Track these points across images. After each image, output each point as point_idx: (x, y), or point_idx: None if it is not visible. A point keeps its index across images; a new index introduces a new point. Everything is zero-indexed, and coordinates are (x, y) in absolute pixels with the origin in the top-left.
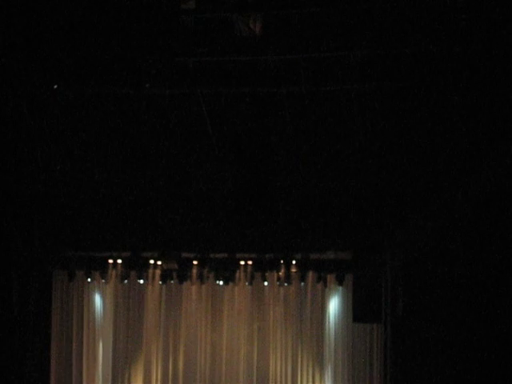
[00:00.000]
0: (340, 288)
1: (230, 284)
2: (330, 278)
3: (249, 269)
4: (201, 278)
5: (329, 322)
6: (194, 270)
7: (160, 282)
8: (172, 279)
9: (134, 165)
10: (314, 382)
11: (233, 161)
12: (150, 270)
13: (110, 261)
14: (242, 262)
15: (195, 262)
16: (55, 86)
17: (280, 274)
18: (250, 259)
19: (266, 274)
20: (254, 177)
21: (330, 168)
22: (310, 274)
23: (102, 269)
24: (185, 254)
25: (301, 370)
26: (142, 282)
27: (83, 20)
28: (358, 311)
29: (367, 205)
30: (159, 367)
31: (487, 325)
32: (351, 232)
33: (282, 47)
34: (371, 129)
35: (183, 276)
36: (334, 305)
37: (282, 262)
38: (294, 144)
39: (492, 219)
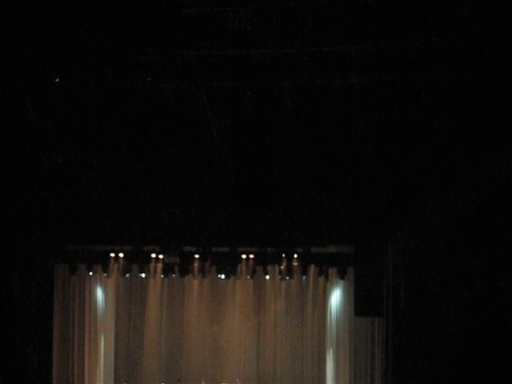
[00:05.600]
0: (342, 282)
1: (232, 278)
2: (332, 271)
3: (250, 263)
4: (202, 272)
5: (330, 316)
6: (196, 264)
7: (162, 276)
8: (174, 273)
9: (135, 159)
10: (315, 374)
11: (234, 155)
12: (152, 264)
13: (112, 254)
14: (244, 256)
15: (197, 256)
16: (57, 80)
17: (281, 267)
18: (251, 253)
19: (268, 267)
20: (255, 171)
21: (331, 161)
22: (312, 268)
23: (104, 262)
24: (186, 248)
25: (302, 363)
26: (143, 275)
27: (85, 14)
28: (359, 305)
29: (369, 198)
30: (161, 360)
31: (488, 318)
32: (353, 226)
33: (282, 41)
34: (373, 122)
35: (185, 270)
36: (335, 298)
37: (283, 255)
38: (296, 138)
39: (493, 215)
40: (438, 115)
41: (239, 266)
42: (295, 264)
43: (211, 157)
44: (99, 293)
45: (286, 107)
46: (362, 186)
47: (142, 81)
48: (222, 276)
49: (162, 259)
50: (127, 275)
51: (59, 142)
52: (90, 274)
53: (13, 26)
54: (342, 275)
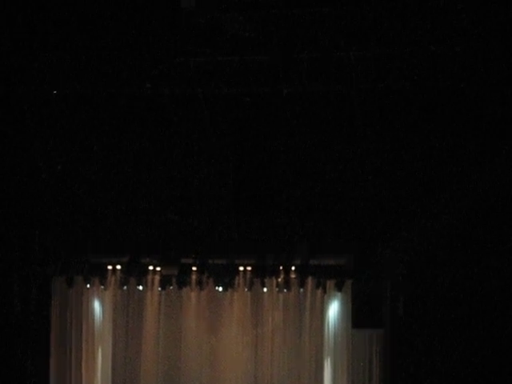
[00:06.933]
0: (339, 294)
1: (229, 290)
2: (330, 284)
3: (248, 275)
4: (200, 284)
5: (328, 328)
6: (194, 276)
7: (159, 288)
8: (171, 285)
9: (134, 168)
10: None
11: (233, 164)
12: (149, 276)
13: (109, 267)
14: (241, 268)
15: (194, 268)
16: (54, 92)
17: (279, 280)
18: (249, 265)
19: (265, 280)
20: (253, 181)
21: (329, 172)
22: (310, 280)
23: (101, 275)
24: (184, 260)
25: (300, 375)
26: (141, 288)
27: (84, 20)
28: (357, 317)
29: (366, 210)
30: (158, 373)
31: (489, 327)
32: (350, 238)
33: (281, 47)
34: (370, 129)
35: (182, 282)
36: (333, 311)
37: (281, 268)
38: (294, 146)
39: (492, 224)
40: (437, 122)
41: (237, 278)
42: (293, 276)
43: (210, 168)
44: (96, 305)
45: (285, 113)
46: (359, 196)
47: (141, 87)
48: (220, 288)
49: (160, 271)
50: (124, 288)
51: (58, 151)
52: (88, 286)
53: (11, 33)
54: (339, 287)
